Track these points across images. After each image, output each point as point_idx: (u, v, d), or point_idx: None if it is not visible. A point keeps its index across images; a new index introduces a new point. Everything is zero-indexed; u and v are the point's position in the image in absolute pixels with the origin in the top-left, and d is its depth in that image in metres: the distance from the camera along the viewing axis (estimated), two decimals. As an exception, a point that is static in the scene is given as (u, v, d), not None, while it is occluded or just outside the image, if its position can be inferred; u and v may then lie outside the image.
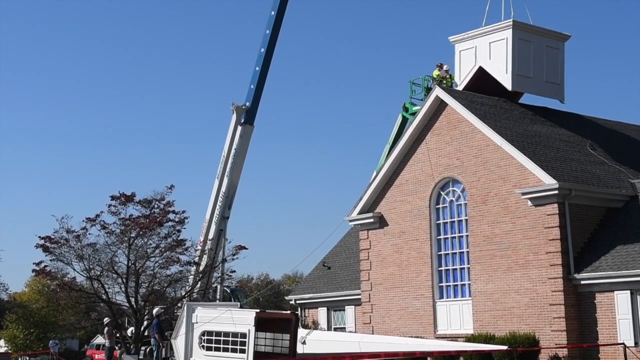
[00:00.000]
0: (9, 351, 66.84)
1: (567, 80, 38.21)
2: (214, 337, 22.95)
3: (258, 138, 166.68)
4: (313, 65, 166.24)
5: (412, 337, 27.71)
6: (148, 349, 36.47)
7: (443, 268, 31.45)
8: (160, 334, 29.19)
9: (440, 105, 31.89)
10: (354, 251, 37.37)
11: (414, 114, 37.21)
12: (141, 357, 36.42)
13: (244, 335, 22.14)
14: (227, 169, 43.06)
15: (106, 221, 36.66)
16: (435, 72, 35.69)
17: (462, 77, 34.65)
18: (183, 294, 38.80)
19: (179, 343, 23.83)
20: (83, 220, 36.72)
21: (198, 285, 39.38)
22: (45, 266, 36.95)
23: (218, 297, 42.44)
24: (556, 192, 27.55)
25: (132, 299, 36.70)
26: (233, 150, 42.96)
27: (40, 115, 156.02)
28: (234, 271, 44.87)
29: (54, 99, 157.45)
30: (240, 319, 22.47)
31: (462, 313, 30.47)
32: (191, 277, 39.41)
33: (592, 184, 28.93)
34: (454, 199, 31.27)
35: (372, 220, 33.75)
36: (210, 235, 42.57)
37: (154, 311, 30.24)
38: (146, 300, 37.27)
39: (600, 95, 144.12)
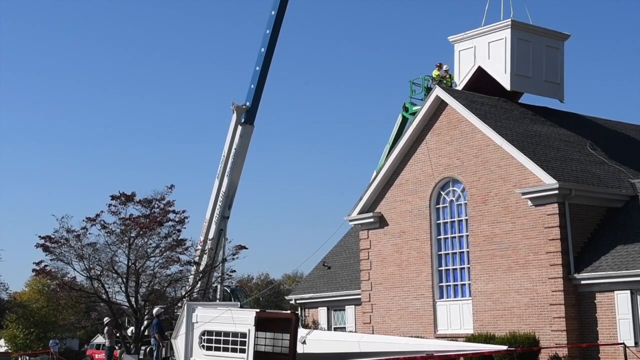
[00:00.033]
0: (9, 351, 66.86)
1: (567, 80, 38.24)
2: (214, 337, 22.95)
3: (258, 138, 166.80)
4: (313, 65, 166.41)
5: (412, 337, 27.70)
6: (148, 349, 36.49)
7: (443, 268, 31.46)
8: (160, 334, 29.19)
9: (440, 105, 31.88)
10: (354, 251, 37.37)
11: (414, 113, 37.20)
12: (141, 356, 36.43)
13: (244, 335, 22.14)
14: (227, 169, 43.07)
15: (106, 221, 36.73)
16: (435, 72, 35.69)
17: (461, 77, 34.65)
18: (183, 293, 38.80)
19: (179, 343, 23.83)
20: (83, 220, 36.79)
21: (198, 285, 39.39)
22: (46, 266, 36.98)
23: (218, 296, 42.45)
24: (556, 192, 27.55)
25: (132, 299, 36.71)
26: (233, 150, 42.97)
27: (40, 115, 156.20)
28: (234, 271, 44.99)
29: (54, 99, 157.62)
30: (240, 319, 22.46)
31: (462, 313, 30.47)
32: (191, 276, 39.41)
33: (592, 183, 28.93)
34: (454, 198, 31.27)
35: (372, 220, 33.76)
36: (211, 235, 42.58)
37: (154, 311, 30.25)
38: (146, 300, 37.28)
39: (600, 95, 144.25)
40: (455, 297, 30.97)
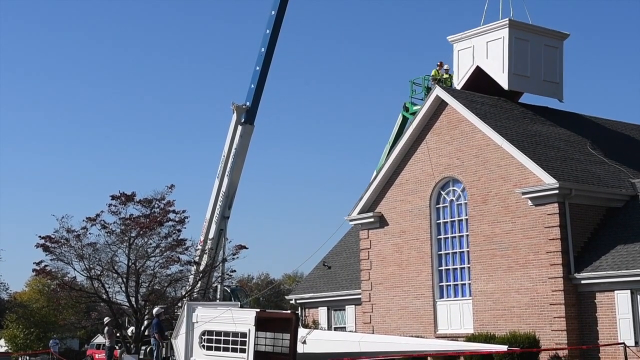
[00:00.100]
0: (9, 351, 66.81)
1: (566, 80, 38.23)
2: (214, 337, 22.96)
3: (258, 138, 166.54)
4: (313, 65, 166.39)
5: (412, 336, 27.70)
6: (148, 349, 36.50)
7: (443, 267, 31.45)
8: (160, 334, 29.20)
9: (440, 105, 31.88)
10: (354, 251, 37.37)
11: (414, 113, 37.19)
12: (141, 356, 36.43)
13: (244, 335, 22.15)
14: (228, 169, 43.07)
15: (106, 221, 36.74)
16: (434, 72, 35.69)
17: (460, 77, 34.63)
18: (183, 293, 38.80)
19: (179, 343, 23.84)
20: (83, 220, 36.79)
21: (198, 285, 39.38)
22: (46, 266, 36.98)
23: (218, 296, 42.45)
24: (556, 191, 27.54)
25: (133, 299, 36.70)
26: (233, 150, 42.97)
27: (40, 115, 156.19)
28: (234, 271, 45.03)
29: (54, 99, 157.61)
30: (240, 319, 22.47)
31: (462, 313, 30.47)
32: (191, 276, 39.41)
33: (592, 183, 28.92)
34: (454, 198, 31.27)
35: (372, 219, 33.76)
36: (211, 235, 42.58)
37: (154, 311, 30.26)
38: (146, 300, 37.28)
39: (600, 94, 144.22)
40: (455, 296, 30.97)
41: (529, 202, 28.43)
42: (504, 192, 29.28)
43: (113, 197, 36.90)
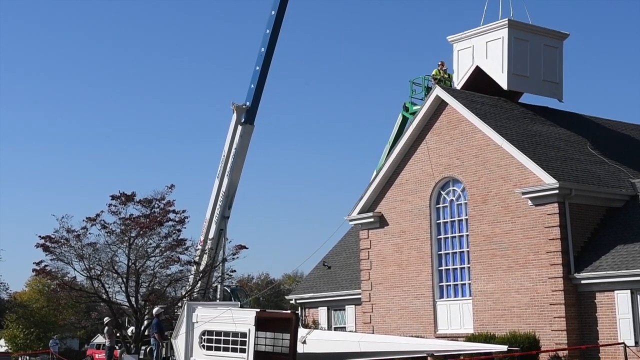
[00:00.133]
0: (9, 351, 66.83)
1: (566, 79, 38.23)
2: (214, 337, 22.94)
3: (258, 138, 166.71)
4: (313, 65, 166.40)
5: (412, 336, 27.70)
6: (148, 349, 36.49)
7: (443, 267, 31.46)
8: (160, 334, 29.20)
9: (440, 105, 31.88)
10: (354, 251, 37.37)
11: (414, 113, 37.18)
12: (141, 356, 36.43)
13: (244, 335, 22.12)
14: (228, 169, 43.07)
15: (106, 221, 36.75)
16: (435, 71, 35.70)
17: (459, 77, 34.62)
18: (183, 293, 38.80)
19: (179, 342, 23.82)
20: (83, 220, 36.80)
21: (198, 285, 39.39)
22: (46, 266, 36.99)
23: (218, 296, 42.45)
24: (556, 191, 27.54)
25: (133, 299, 36.71)
26: (233, 150, 42.98)
27: (40, 115, 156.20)
28: (234, 271, 45.04)
29: (54, 99, 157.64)
30: (240, 319, 22.45)
31: (462, 312, 30.47)
32: (191, 276, 39.41)
33: (592, 183, 28.92)
34: (454, 198, 31.27)
35: (372, 219, 33.76)
36: (211, 235, 42.59)
37: (154, 311, 30.26)
38: (146, 300, 37.29)
39: (600, 94, 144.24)
40: (455, 296, 30.97)
41: (529, 202, 28.43)
42: (504, 192, 29.28)
43: (113, 197, 36.92)
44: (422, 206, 32.01)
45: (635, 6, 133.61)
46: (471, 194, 30.39)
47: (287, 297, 43.51)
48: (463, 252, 30.84)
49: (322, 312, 38.00)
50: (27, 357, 65.49)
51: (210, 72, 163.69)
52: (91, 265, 36.50)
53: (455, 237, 31.19)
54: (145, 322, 36.86)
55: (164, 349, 30.35)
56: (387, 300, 33.02)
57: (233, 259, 40.21)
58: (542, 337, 27.35)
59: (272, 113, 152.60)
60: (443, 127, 31.70)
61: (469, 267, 30.43)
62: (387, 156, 34.80)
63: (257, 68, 42.83)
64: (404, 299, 32.37)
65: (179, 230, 37.62)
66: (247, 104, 43.05)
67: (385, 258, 33.26)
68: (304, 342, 21.31)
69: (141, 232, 36.42)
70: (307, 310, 38.88)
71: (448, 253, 31.36)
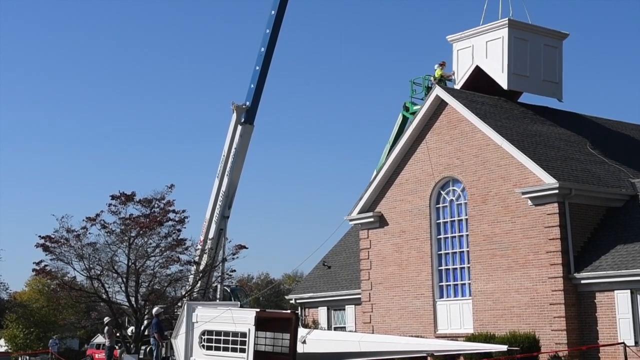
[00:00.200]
0: (9, 350, 66.82)
1: (566, 79, 38.23)
2: (214, 337, 22.93)
3: (258, 138, 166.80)
4: (313, 65, 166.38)
5: (412, 336, 27.70)
6: (148, 349, 36.48)
7: (443, 267, 31.46)
8: (160, 334, 29.21)
9: (440, 105, 31.89)
10: (354, 251, 37.37)
11: (414, 113, 37.17)
12: (141, 356, 36.43)
13: (244, 335, 22.11)
14: (227, 169, 43.08)
15: (106, 220, 36.77)
16: (438, 72, 35.62)
17: (459, 77, 34.61)
18: (183, 293, 38.81)
19: (179, 342, 23.82)
20: (83, 220, 36.83)
21: (198, 285, 39.39)
22: (46, 265, 36.99)
23: (218, 296, 42.45)
24: (556, 191, 27.54)
25: (132, 299, 36.72)
26: (233, 150, 42.98)
27: (40, 115, 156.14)
28: (234, 270, 45.02)
29: (54, 99, 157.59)
30: (240, 319, 22.44)
31: (462, 312, 30.47)
32: (191, 276, 39.42)
33: (592, 183, 28.92)
34: (454, 198, 31.27)
35: (372, 219, 33.76)
36: (211, 235, 42.59)
37: (154, 310, 30.27)
38: (146, 300, 37.29)
39: (600, 94, 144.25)
40: (455, 296, 30.97)
41: (529, 202, 28.43)
42: (504, 192, 29.28)
43: (113, 197, 36.93)
44: (422, 206, 32.01)
45: (635, 6, 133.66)
46: (471, 194, 30.39)
47: (287, 297, 43.51)
48: (463, 252, 30.84)
49: (322, 312, 38.00)
50: (27, 357, 65.51)
51: (210, 72, 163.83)
52: (91, 265, 36.52)
53: (455, 237, 31.19)
54: (145, 322, 36.85)
55: (163, 349, 30.34)
56: (387, 300, 33.02)
57: (233, 258, 40.28)
58: (542, 337, 27.35)
59: (272, 113, 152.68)
60: (443, 127, 31.70)
61: (468, 267, 30.43)
62: (387, 156, 34.79)
63: (257, 68, 42.84)
64: (403, 299, 32.37)
65: (179, 230, 37.68)
66: (247, 103, 43.05)
67: (385, 258, 33.27)
68: (304, 342, 21.31)
69: (141, 232, 36.43)
70: (307, 310, 38.89)
71: (448, 253, 31.36)
